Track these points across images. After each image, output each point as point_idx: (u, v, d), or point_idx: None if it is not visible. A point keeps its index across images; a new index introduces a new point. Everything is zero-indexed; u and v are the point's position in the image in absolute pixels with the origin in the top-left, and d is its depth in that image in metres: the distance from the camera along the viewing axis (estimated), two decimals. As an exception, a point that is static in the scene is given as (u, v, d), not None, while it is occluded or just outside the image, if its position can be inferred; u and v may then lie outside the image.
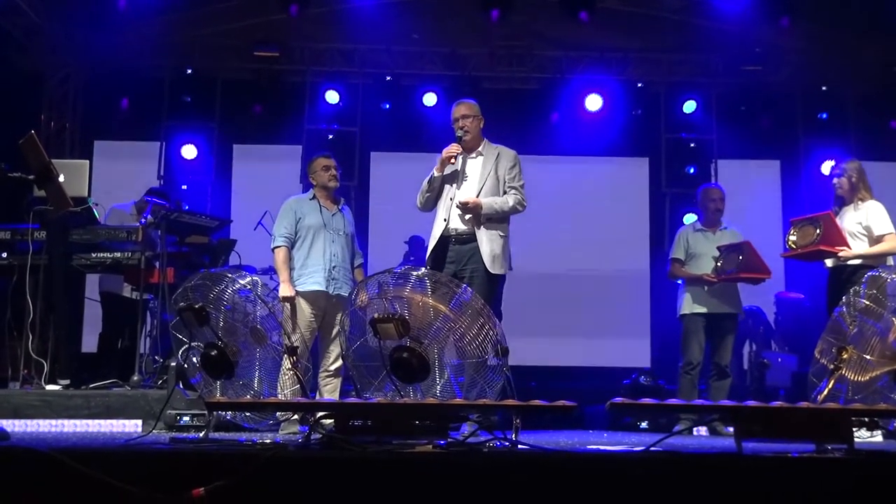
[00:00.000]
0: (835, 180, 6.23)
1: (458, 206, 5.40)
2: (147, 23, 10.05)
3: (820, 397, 3.63)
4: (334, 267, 5.70)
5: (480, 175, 5.51)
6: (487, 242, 5.38)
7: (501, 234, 5.48)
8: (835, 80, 10.64)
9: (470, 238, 5.41)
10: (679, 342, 6.91)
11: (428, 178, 5.56)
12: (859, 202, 6.11)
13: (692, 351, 6.71)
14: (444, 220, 5.45)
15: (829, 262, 6.15)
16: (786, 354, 9.06)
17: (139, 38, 10.34)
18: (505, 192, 5.52)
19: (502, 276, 5.48)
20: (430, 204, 5.59)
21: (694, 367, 6.70)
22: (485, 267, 5.34)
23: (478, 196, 5.43)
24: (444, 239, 5.46)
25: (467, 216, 5.41)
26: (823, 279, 6.34)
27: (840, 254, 5.96)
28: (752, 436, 3.21)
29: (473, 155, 5.61)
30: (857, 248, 5.99)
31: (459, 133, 5.53)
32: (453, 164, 5.48)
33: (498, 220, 5.47)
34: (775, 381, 8.72)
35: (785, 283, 10.34)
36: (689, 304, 6.76)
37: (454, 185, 5.50)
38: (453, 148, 5.46)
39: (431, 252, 5.49)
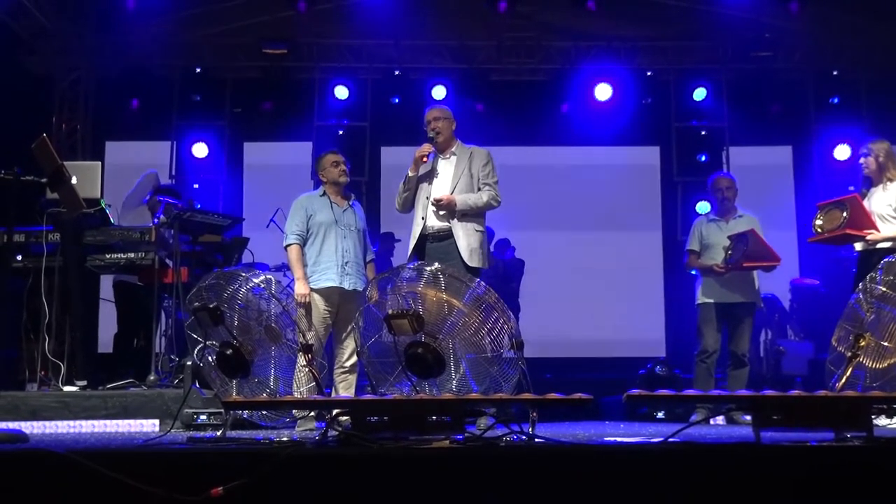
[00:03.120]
0: (861, 160, 6.08)
1: (432, 204, 5.54)
2: (155, 22, 10.09)
3: (838, 385, 3.60)
4: (347, 262, 5.71)
5: (454, 174, 5.64)
6: (464, 237, 5.51)
7: (478, 228, 5.60)
8: (846, 63, 10.58)
9: (446, 235, 5.54)
10: (693, 330, 6.91)
11: (403, 179, 5.70)
12: (888, 183, 5.95)
13: (706, 339, 6.70)
14: (422, 218, 5.60)
15: (858, 246, 6.01)
16: (802, 342, 9.02)
17: (148, 38, 10.37)
18: (479, 189, 5.62)
19: (481, 270, 5.54)
20: (408, 204, 5.74)
21: (709, 355, 6.69)
22: (462, 261, 5.41)
23: (451, 194, 5.54)
24: (423, 237, 5.60)
25: (442, 212, 5.53)
26: (839, 265, 6.29)
27: (868, 237, 5.82)
28: (770, 425, 3.19)
29: (447, 155, 5.74)
30: (886, 230, 5.83)
31: (431, 134, 5.68)
32: (426, 162, 5.63)
33: (473, 215, 5.59)
34: (792, 368, 8.69)
35: (799, 269, 10.30)
36: (701, 295, 6.78)
37: (429, 185, 5.64)
38: (425, 147, 5.61)
39: (412, 251, 5.62)
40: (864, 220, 5.84)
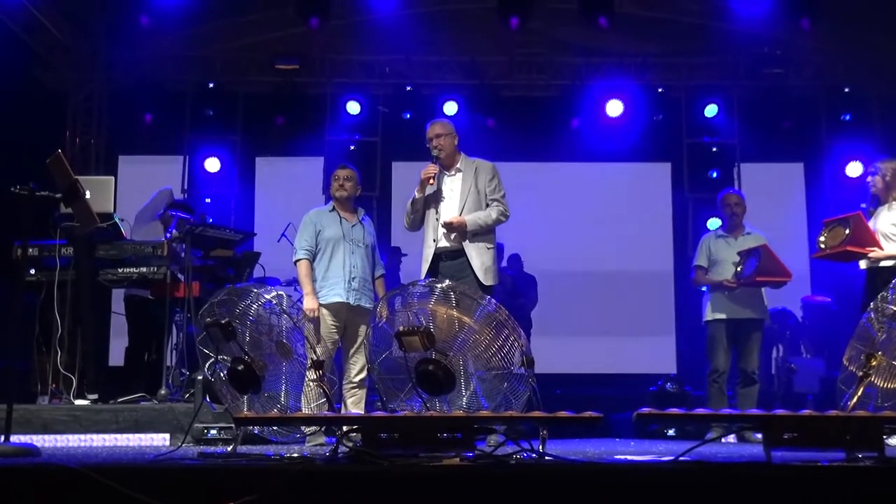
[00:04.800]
0: (869, 178, 6.12)
1: (443, 227, 5.51)
2: (169, 38, 10.15)
3: (849, 405, 3.59)
4: (354, 278, 5.72)
5: (461, 192, 5.62)
6: (477, 256, 5.49)
7: (489, 246, 5.59)
8: (857, 80, 10.56)
9: (459, 253, 5.53)
10: (704, 348, 6.90)
11: (410, 199, 5.68)
12: (894, 202, 5.98)
13: (717, 358, 6.69)
14: (434, 240, 5.58)
15: (862, 264, 6.03)
16: (813, 359, 8.99)
17: (161, 53, 10.46)
18: (487, 205, 5.60)
19: (494, 287, 5.54)
20: (417, 224, 5.73)
21: (720, 374, 6.68)
22: (477, 280, 5.40)
23: (461, 213, 5.53)
24: (435, 257, 5.58)
25: (453, 235, 5.51)
26: (850, 282, 6.28)
27: (870, 255, 5.84)
28: (782, 444, 3.18)
29: (452, 172, 5.71)
30: (890, 248, 5.84)
31: (435, 152, 5.65)
32: (432, 184, 5.58)
33: (483, 233, 5.56)
34: (803, 386, 8.66)
35: (811, 286, 10.26)
36: (710, 311, 6.77)
37: (438, 205, 5.61)
38: (431, 168, 5.57)
39: (427, 272, 5.58)
40: (866, 238, 5.85)
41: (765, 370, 9.09)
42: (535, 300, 9.87)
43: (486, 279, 5.46)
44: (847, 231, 5.84)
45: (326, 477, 2.91)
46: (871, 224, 5.97)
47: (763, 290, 6.75)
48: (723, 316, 6.70)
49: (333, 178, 5.93)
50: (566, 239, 10.72)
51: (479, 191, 5.61)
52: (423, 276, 5.57)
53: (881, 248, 5.85)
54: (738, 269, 6.64)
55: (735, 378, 6.79)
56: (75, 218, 5.35)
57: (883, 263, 5.84)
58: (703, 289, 6.95)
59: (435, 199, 5.63)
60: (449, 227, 5.48)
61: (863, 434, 3.17)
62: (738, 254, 6.69)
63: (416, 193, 5.63)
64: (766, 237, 6.85)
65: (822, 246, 6.06)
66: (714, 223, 9.76)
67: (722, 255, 6.80)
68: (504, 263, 9.61)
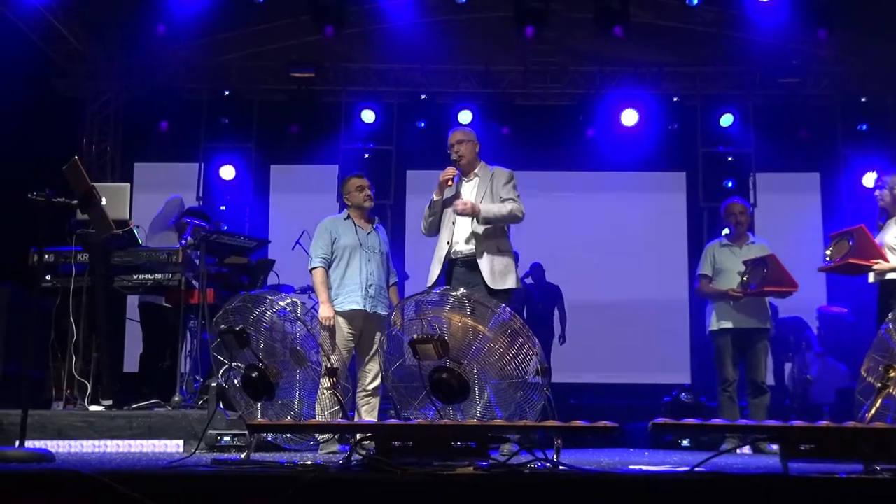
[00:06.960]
0: (876, 192, 6.17)
1: (454, 212, 5.49)
2: (184, 46, 10.22)
3: (867, 416, 3.56)
4: (370, 286, 5.72)
5: (476, 196, 5.63)
6: (487, 261, 5.47)
7: (501, 248, 5.54)
8: (874, 90, 10.51)
9: (475, 259, 5.49)
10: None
11: (428, 203, 5.69)
12: None
13: (726, 368, 6.66)
14: (448, 242, 5.57)
15: (871, 278, 6.05)
16: (830, 370, 8.92)
17: (177, 61, 10.53)
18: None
19: (510, 291, 5.50)
20: (434, 228, 5.73)
21: (730, 384, 6.65)
22: (486, 285, 5.38)
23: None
24: (450, 262, 5.57)
25: (467, 234, 5.48)
26: (866, 293, 6.26)
27: (874, 267, 5.86)
28: (798, 456, 3.15)
29: (470, 178, 5.73)
30: (894, 261, 5.87)
31: (454, 157, 5.68)
32: (450, 186, 5.60)
33: (497, 237, 5.53)
34: (820, 397, 8.61)
35: (827, 296, 10.20)
36: (715, 321, 6.73)
37: (453, 208, 5.60)
38: (449, 171, 5.59)
39: (442, 276, 5.56)
40: (869, 250, 5.87)
41: (780, 381, 9.04)
42: (563, 310, 9.89)
43: (494, 283, 5.42)
44: (850, 243, 5.86)
45: (339, 485, 2.89)
46: (879, 237, 6.00)
47: (767, 299, 6.73)
48: (728, 325, 6.66)
49: (357, 189, 5.91)
50: (580, 248, 10.70)
51: (493, 194, 5.61)
52: (433, 279, 5.57)
53: (886, 260, 5.86)
54: (745, 278, 6.60)
55: (744, 389, 6.75)
56: (91, 224, 5.38)
57: (889, 276, 5.86)
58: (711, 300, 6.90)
59: (452, 202, 5.64)
60: (462, 211, 5.45)
61: (881, 446, 3.13)
62: (744, 263, 6.65)
63: (434, 196, 5.66)
64: (780, 245, 6.82)
65: (829, 259, 6.09)
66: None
67: (727, 264, 6.76)
68: (526, 273, 9.61)
